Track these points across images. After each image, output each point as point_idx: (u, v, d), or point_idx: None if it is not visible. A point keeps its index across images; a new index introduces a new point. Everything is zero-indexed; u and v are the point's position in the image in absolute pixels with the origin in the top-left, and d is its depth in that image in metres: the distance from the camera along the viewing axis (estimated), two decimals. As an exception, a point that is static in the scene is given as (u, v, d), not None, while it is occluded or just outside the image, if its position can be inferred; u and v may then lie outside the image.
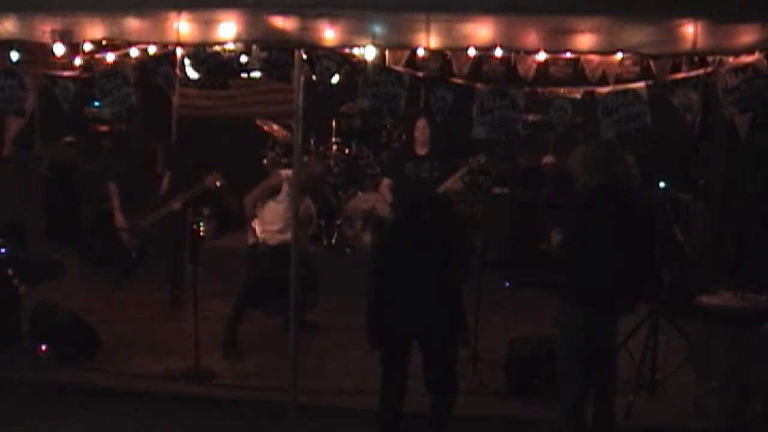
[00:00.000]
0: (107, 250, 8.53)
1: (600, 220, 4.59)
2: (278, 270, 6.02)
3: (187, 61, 5.61)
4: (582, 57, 6.40)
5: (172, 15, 5.44)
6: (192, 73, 5.76)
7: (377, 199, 8.29)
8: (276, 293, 6.30)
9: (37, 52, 6.27)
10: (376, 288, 4.73)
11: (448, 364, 4.79)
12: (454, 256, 4.80)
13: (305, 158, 6.94)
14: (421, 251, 4.65)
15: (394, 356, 4.77)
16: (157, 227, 7.53)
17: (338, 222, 8.70)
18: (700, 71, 5.41)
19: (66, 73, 6.20)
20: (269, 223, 6.65)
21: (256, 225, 6.66)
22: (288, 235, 6.49)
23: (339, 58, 5.45)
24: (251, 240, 6.69)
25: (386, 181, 7.90)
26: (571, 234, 4.74)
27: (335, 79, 5.54)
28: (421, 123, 7.53)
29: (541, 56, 5.62)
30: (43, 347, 6.16)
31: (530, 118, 7.62)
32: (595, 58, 6.41)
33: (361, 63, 5.47)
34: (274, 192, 6.64)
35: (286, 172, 6.66)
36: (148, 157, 7.71)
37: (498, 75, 7.89)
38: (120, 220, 7.59)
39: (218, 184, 7.12)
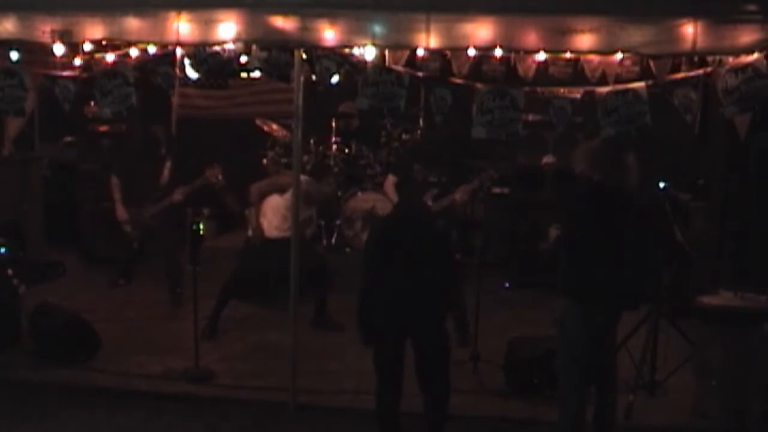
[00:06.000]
0: (108, 249, 8.57)
1: (598, 217, 4.59)
2: (271, 262, 6.41)
3: (187, 61, 5.61)
4: (582, 57, 6.42)
5: (172, 15, 5.45)
6: (192, 73, 5.76)
7: (377, 199, 8.28)
8: (266, 285, 6.75)
9: (37, 52, 6.26)
10: (368, 284, 4.73)
11: (440, 364, 4.80)
12: (445, 258, 4.80)
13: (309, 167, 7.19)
14: (412, 250, 4.66)
15: (387, 356, 4.76)
16: (157, 219, 7.57)
17: (338, 222, 8.69)
18: (700, 71, 5.41)
19: (66, 73, 6.20)
20: (268, 216, 6.94)
21: (255, 216, 6.92)
22: (286, 232, 6.72)
23: (339, 58, 5.45)
24: (249, 232, 6.97)
25: (391, 178, 7.87)
26: (569, 230, 4.74)
27: (335, 79, 5.55)
28: None
29: (541, 56, 5.63)
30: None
31: (530, 118, 7.61)
32: (595, 58, 6.42)
33: (361, 63, 5.47)
34: (281, 191, 6.95)
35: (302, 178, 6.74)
36: (149, 149, 7.76)
37: (498, 75, 7.89)
38: (122, 212, 7.64)
39: (219, 177, 7.18)
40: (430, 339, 4.76)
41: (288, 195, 6.75)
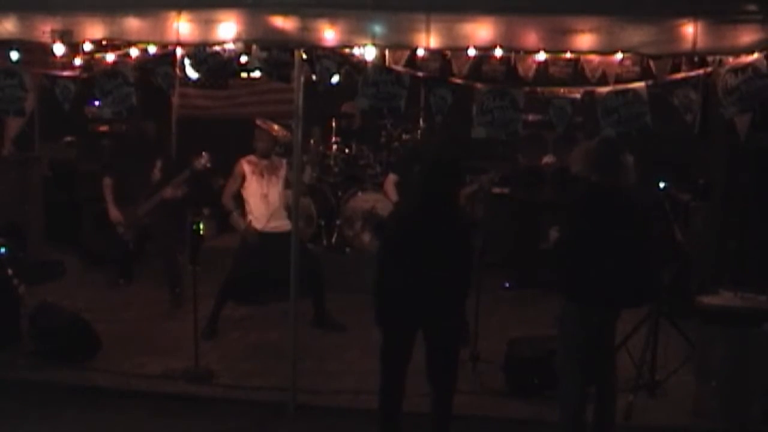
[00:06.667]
0: (107, 250, 8.56)
1: (597, 217, 4.60)
2: (266, 258, 6.58)
3: (187, 61, 5.61)
4: (582, 57, 6.42)
5: (172, 15, 5.46)
6: (192, 73, 5.76)
7: (377, 199, 8.29)
8: (262, 282, 6.87)
9: (37, 52, 6.27)
10: (384, 275, 4.70)
11: (452, 356, 4.79)
12: (463, 248, 4.79)
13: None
14: (430, 241, 4.62)
15: (396, 346, 4.73)
16: (151, 217, 7.54)
17: (338, 222, 8.69)
18: (700, 71, 5.41)
19: (66, 73, 6.19)
20: (254, 212, 6.95)
21: (241, 217, 6.96)
22: (276, 223, 6.89)
23: (339, 58, 5.45)
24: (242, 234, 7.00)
25: (392, 177, 7.87)
26: (568, 231, 4.74)
27: (335, 79, 5.55)
28: None
29: (541, 56, 5.63)
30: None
31: (530, 118, 7.61)
32: (595, 58, 6.43)
33: (361, 63, 5.47)
34: (240, 178, 6.96)
35: (245, 158, 7.02)
36: (140, 146, 7.75)
37: (498, 75, 7.89)
38: (115, 213, 7.58)
39: (206, 165, 7.15)
40: (444, 329, 4.75)
41: (249, 178, 6.91)
